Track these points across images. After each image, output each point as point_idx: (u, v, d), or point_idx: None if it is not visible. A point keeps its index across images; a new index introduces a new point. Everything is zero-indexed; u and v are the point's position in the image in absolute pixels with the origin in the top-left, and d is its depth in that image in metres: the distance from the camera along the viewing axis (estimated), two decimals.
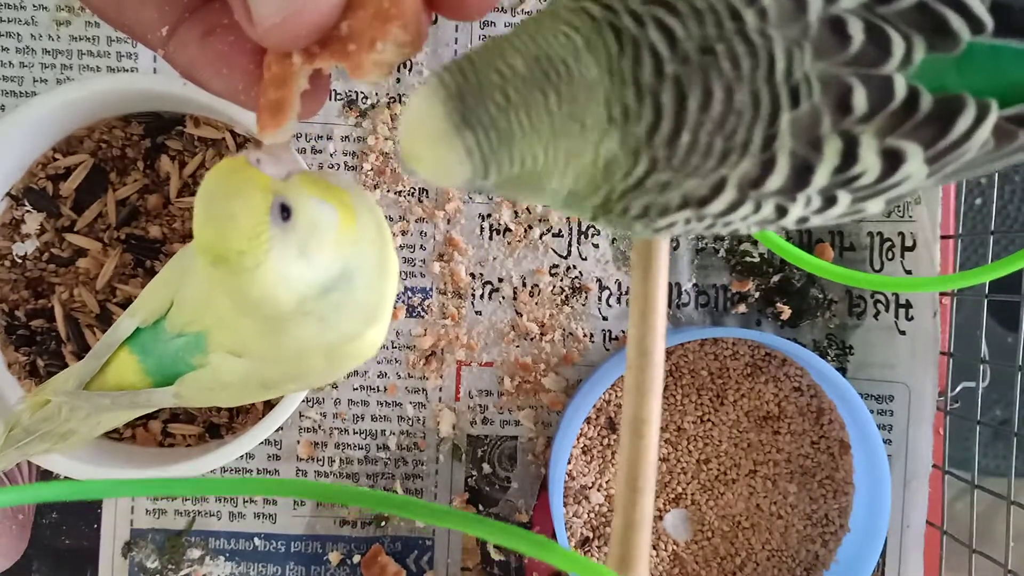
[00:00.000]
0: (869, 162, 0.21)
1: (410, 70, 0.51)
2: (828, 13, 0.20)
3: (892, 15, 0.20)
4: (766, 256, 0.52)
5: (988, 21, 0.21)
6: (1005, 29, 0.21)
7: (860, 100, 0.20)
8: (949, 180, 0.23)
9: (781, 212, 0.22)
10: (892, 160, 0.21)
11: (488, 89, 0.20)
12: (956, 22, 0.20)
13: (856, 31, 0.20)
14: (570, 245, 0.51)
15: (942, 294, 0.52)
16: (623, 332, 0.52)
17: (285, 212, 0.25)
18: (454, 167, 0.21)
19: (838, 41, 0.20)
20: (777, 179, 0.21)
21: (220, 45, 0.23)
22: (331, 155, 0.51)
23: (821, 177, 0.21)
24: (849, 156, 0.20)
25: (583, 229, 0.51)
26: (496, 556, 0.51)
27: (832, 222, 0.23)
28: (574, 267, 0.51)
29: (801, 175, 0.21)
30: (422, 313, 0.51)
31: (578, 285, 0.51)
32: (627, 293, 0.52)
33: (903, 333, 0.52)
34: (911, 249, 0.52)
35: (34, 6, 0.50)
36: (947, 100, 0.20)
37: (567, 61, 0.20)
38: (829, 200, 0.22)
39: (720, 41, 0.20)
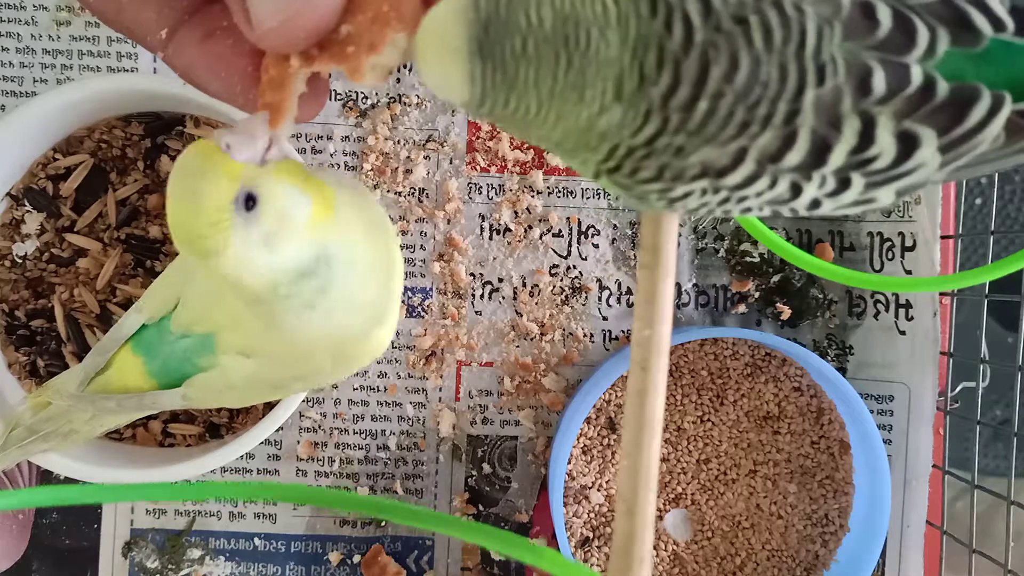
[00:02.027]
0: (885, 143, 0.21)
1: (410, 70, 0.51)
2: None
3: (919, 6, 0.21)
4: (766, 256, 0.52)
5: (1009, 22, 0.21)
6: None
7: (879, 82, 0.20)
8: (959, 176, 0.23)
9: (795, 191, 0.22)
10: (907, 143, 0.21)
11: (512, 30, 0.20)
12: (979, 19, 0.21)
13: (885, 17, 0.20)
14: (570, 245, 0.51)
15: (942, 294, 0.52)
16: (623, 332, 0.52)
17: (251, 201, 0.25)
18: (455, 87, 0.21)
19: (867, 24, 0.20)
20: (796, 155, 0.21)
21: (219, 48, 0.23)
22: (331, 155, 0.51)
23: (838, 156, 0.21)
24: (866, 136, 0.21)
25: (583, 229, 0.51)
26: (496, 556, 0.51)
27: (843, 210, 0.23)
28: (574, 267, 0.51)
29: (819, 152, 0.21)
30: (422, 313, 0.51)
31: (578, 285, 0.51)
32: (627, 293, 0.52)
33: (903, 333, 0.52)
34: (911, 249, 0.52)
35: (34, 6, 0.50)
36: (962, 88, 0.21)
37: (591, 32, 0.20)
38: (843, 182, 0.22)
39: (755, 12, 0.20)
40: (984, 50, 0.21)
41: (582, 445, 0.50)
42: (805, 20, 0.20)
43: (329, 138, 0.50)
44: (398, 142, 0.51)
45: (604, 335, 0.52)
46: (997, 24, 0.21)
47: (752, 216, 0.24)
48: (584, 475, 0.50)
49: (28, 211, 0.48)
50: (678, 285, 0.52)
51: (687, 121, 0.20)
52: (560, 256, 0.51)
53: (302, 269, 0.27)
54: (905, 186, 0.22)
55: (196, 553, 0.50)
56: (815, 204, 0.23)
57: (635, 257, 0.52)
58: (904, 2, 0.21)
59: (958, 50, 0.21)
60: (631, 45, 0.20)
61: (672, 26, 0.20)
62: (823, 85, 0.20)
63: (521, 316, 0.51)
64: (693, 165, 0.21)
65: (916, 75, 0.20)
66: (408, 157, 0.51)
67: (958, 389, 0.54)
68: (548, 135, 0.22)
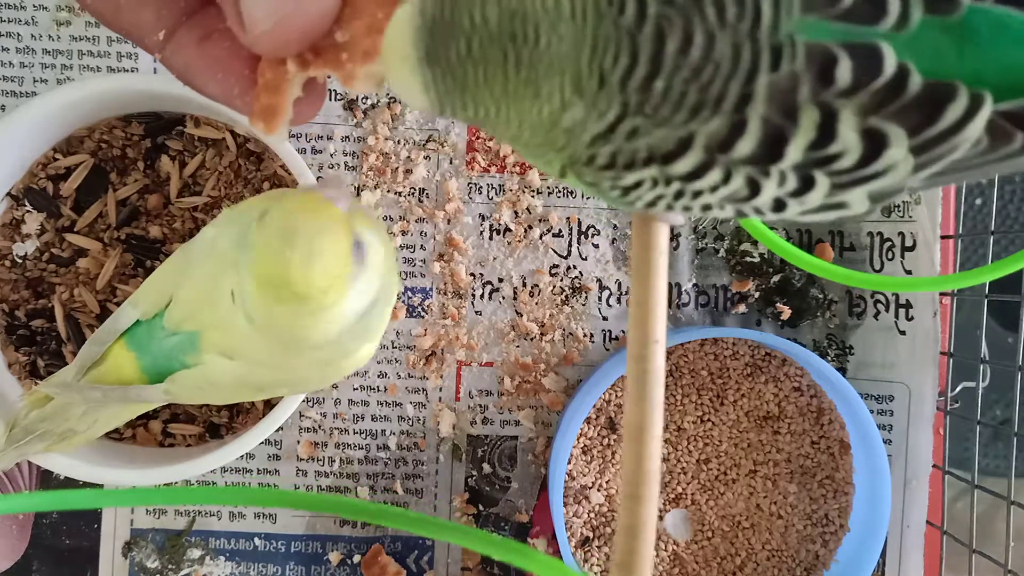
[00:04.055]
0: (849, 141, 0.20)
1: None
2: None
3: None
4: (766, 256, 0.52)
5: None
6: None
7: (844, 72, 0.19)
8: (941, 182, 0.22)
9: (753, 188, 0.21)
10: (874, 142, 0.20)
11: (457, 32, 0.19)
12: None
13: None
14: (570, 245, 0.51)
15: (942, 294, 0.52)
16: (623, 332, 0.52)
17: (359, 248, 0.25)
18: (413, 94, 0.21)
19: None
20: (747, 144, 0.20)
21: (216, 50, 0.23)
22: (331, 155, 0.51)
23: (795, 150, 0.20)
24: (826, 130, 0.19)
25: (583, 229, 0.51)
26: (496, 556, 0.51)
27: (814, 216, 0.22)
28: (574, 267, 0.51)
29: (773, 144, 0.20)
30: (422, 313, 0.51)
31: (578, 285, 0.51)
32: (627, 293, 0.52)
33: (903, 333, 0.52)
34: (911, 249, 0.52)
35: (34, 6, 0.50)
36: (937, 86, 0.19)
37: (540, 26, 0.19)
38: (806, 181, 0.21)
39: None
40: (965, 21, 0.20)
41: (582, 445, 0.50)
42: None
43: (329, 138, 0.50)
44: (398, 142, 0.51)
45: (604, 335, 0.52)
46: None
47: (730, 215, 0.23)
48: (584, 475, 0.50)
49: (28, 211, 0.48)
50: (678, 285, 0.52)
51: (645, 102, 0.19)
52: (560, 256, 0.51)
53: (367, 310, 0.27)
54: (877, 190, 0.21)
55: (196, 553, 0.50)
56: (779, 205, 0.21)
57: None
58: None
59: (935, 18, 0.19)
60: (588, 37, 0.19)
61: (625, 6, 0.19)
62: (778, 69, 0.19)
63: (521, 316, 0.51)
64: (640, 148, 0.20)
65: (889, 64, 0.19)
66: (408, 157, 0.51)
67: (958, 389, 0.54)
68: (517, 135, 0.21)
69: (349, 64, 0.22)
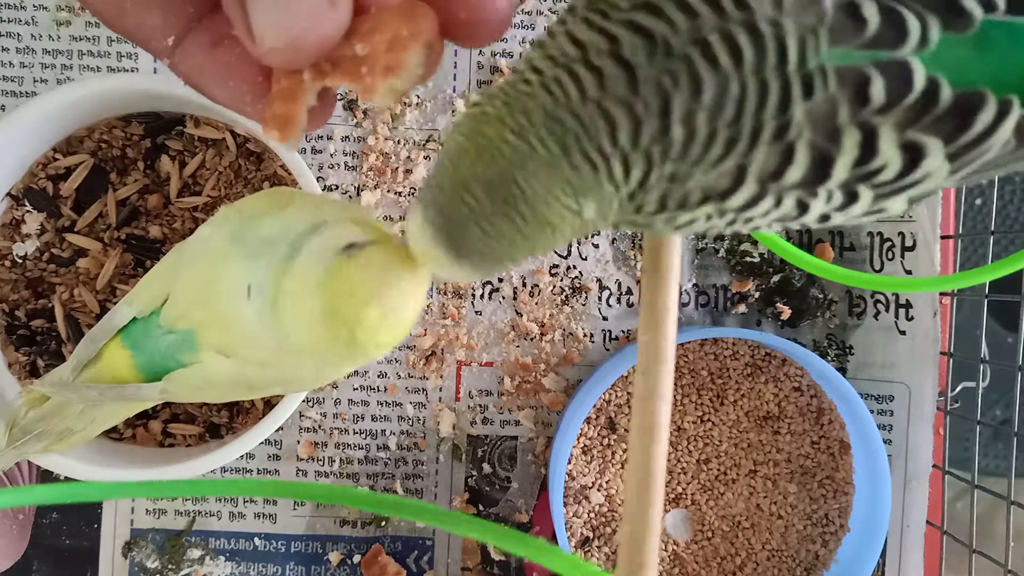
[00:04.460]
0: (889, 155, 0.20)
1: None
2: None
3: None
4: (766, 256, 0.52)
5: (1000, 1, 0.20)
6: (1018, 6, 0.20)
7: (878, 90, 0.20)
8: (971, 180, 0.22)
9: (802, 208, 0.22)
10: (912, 154, 0.21)
11: (464, 225, 0.22)
12: (967, 0, 0.20)
13: (871, 13, 0.20)
14: (570, 245, 0.51)
15: (942, 294, 0.52)
16: (623, 332, 0.52)
17: None
18: (467, 278, 0.23)
19: (854, 25, 0.20)
20: (797, 171, 0.21)
21: (228, 56, 0.23)
22: (331, 155, 0.51)
23: (841, 170, 0.21)
24: (868, 148, 0.20)
25: None
26: (496, 556, 0.51)
27: (855, 221, 0.23)
28: (574, 267, 0.51)
29: (821, 167, 0.21)
30: (422, 313, 0.51)
31: (578, 285, 0.51)
32: (627, 293, 0.52)
33: (903, 333, 0.52)
34: (911, 249, 0.52)
35: (34, 6, 0.50)
36: (967, 95, 0.20)
37: (517, 178, 0.21)
38: (850, 196, 0.22)
39: (715, 31, 0.20)
40: (981, 35, 0.20)
41: (582, 445, 0.50)
42: (783, 33, 0.19)
43: (329, 138, 0.50)
44: (398, 142, 0.51)
45: (604, 335, 0.52)
46: (987, 3, 0.20)
47: (776, 231, 0.24)
48: (584, 475, 0.50)
49: (28, 211, 0.48)
50: (679, 285, 0.52)
51: (669, 149, 0.20)
52: (560, 256, 0.51)
53: None
54: (916, 194, 0.22)
55: (196, 553, 0.50)
56: (824, 218, 0.22)
57: (635, 257, 0.52)
58: None
59: (953, 36, 0.20)
60: (557, 152, 0.21)
61: (605, 83, 0.20)
62: (811, 97, 0.20)
63: (521, 316, 0.51)
64: (694, 191, 0.21)
65: (919, 80, 0.20)
66: (408, 157, 0.51)
67: (958, 389, 0.54)
68: (557, 244, 0.23)
69: (369, 78, 0.22)
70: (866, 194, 0.22)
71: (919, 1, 0.20)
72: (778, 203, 0.22)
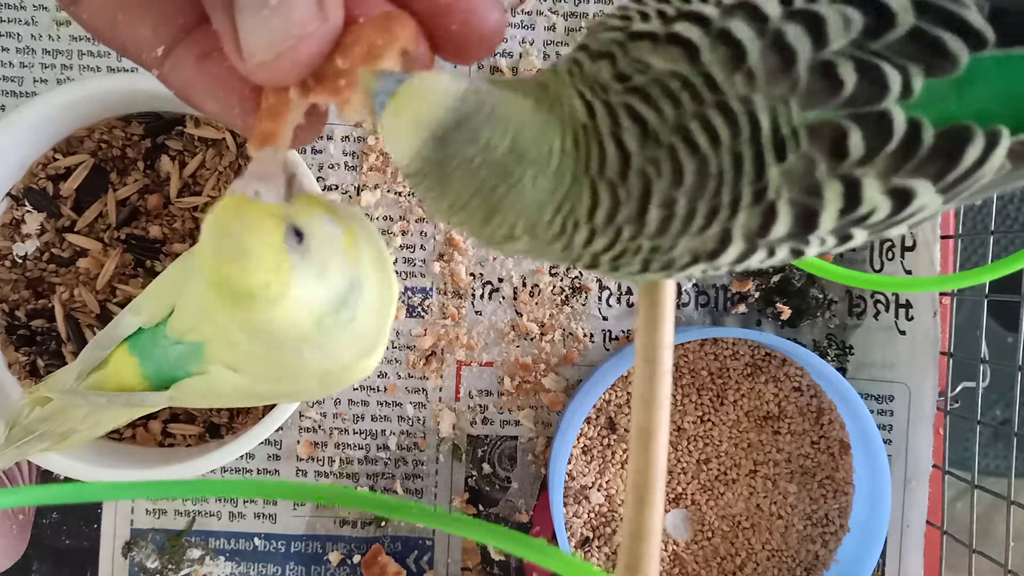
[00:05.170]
0: (876, 201, 0.20)
1: None
2: (817, 59, 0.20)
3: (884, 49, 0.20)
4: None
5: (990, 34, 0.20)
6: (1010, 37, 0.20)
7: (856, 143, 0.20)
8: (971, 200, 0.22)
9: (797, 254, 0.22)
10: (901, 198, 0.21)
11: (473, 140, 0.21)
12: (953, 43, 0.20)
13: (847, 73, 0.19)
14: None
15: (942, 294, 0.52)
16: (623, 332, 0.52)
17: (298, 236, 0.25)
18: (400, 150, 0.22)
19: (829, 87, 0.19)
20: (782, 227, 0.21)
21: (216, 68, 0.22)
22: (331, 155, 0.51)
23: (828, 219, 0.21)
24: (853, 198, 0.20)
25: None
26: (496, 556, 0.51)
27: (851, 248, 0.23)
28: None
29: (805, 220, 0.21)
30: (422, 313, 0.51)
31: (578, 285, 0.51)
32: (627, 293, 0.52)
33: (903, 333, 0.52)
34: (911, 249, 0.52)
35: (34, 6, 0.50)
36: (952, 132, 0.20)
37: (527, 173, 0.20)
38: (844, 238, 0.22)
39: (694, 118, 0.20)
40: (972, 76, 0.20)
41: (582, 445, 0.50)
42: (754, 108, 0.20)
43: (329, 138, 0.50)
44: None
45: (604, 335, 0.52)
46: (978, 40, 0.20)
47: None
48: (584, 475, 0.50)
49: (28, 211, 0.48)
50: (679, 285, 0.52)
51: (643, 228, 0.21)
52: None
53: (340, 297, 0.27)
54: (915, 223, 0.22)
55: (196, 553, 0.50)
56: (823, 254, 0.23)
57: None
58: (868, 49, 0.20)
59: (938, 81, 0.20)
60: (559, 195, 0.21)
61: (606, 159, 0.20)
62: (784, 159, 0.20)
63: (521, 316, 0.51)
64: (681, 255, 0.22)
65: (899, 125, 0.20)
66: None
67: (958, 389, 0.54)
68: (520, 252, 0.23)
69: (347, 92, 0.22)
70: (860, 234, 0.22)
71: (902, 52, 0.20)
72: (771, 254, 0.22)
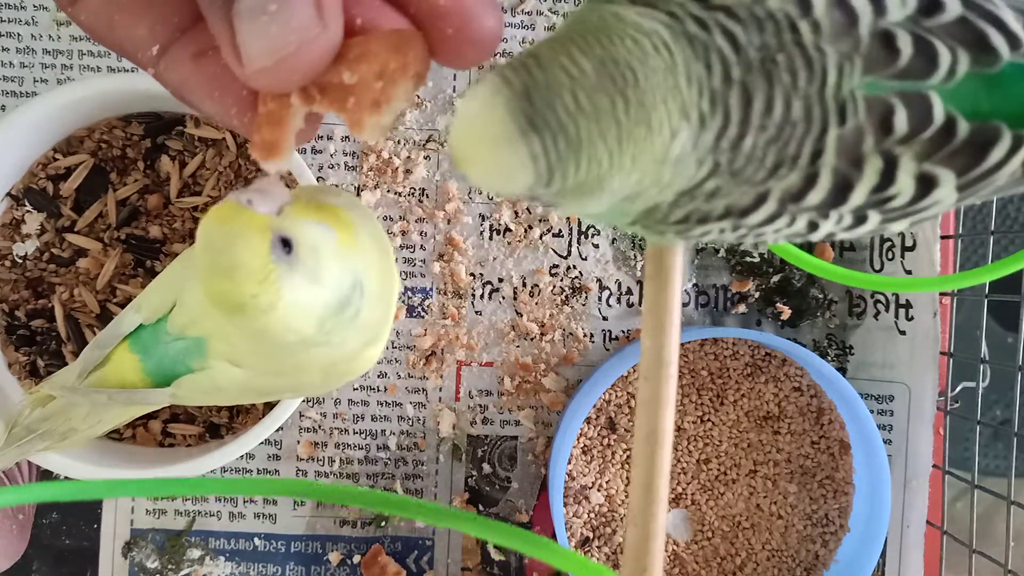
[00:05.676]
0: (904, 184, 0.21)
1: None
2: (878, 27, 0.20)
3: (937, 28, 0.20)
4: (766, 256, 0.52)
5: None
6: None
7: (901, 121, 0.20)
8: (971, 202, 0.23)
9: (812, 227, 0.22)
10: (926, 184, 0.21)
11: (557, 90, 0.19)
12: (996, 38, 0.20)
13: (905, 44, 0.20)
14: (570, 245, 0.51)
15: (942, 294, 0.52)
16: (623, 332, 0.52)
17: (286, 245, 0.25)
18: (516, 173, 0.19)
19: (888, 55, 0.20)
20: (818, 194, 0.21)
21: (213, 67, 0.22)
22: (331, 155, 0.51)
23: (858, 196, 0.21)
24: (887, 176, 0.21)
25: (583, 229, 0.51)
26: (496, 556, 0.51)
27: (854, 237, 0.23)
28: (574, 267, 0.51)
29: (841, 192, 0.21)
30: (422, 313, 0.51)
31: (578, 285, 0.51)
32: (627, 293, 0.52)
33: (903, 333, 0.52)
34: (911, 249, 0.52)
35: (34, 6, 0.50)
36: (983, 129, 0.20)
37: (634, 66, 0.19)
38: (859, 219, 0.22)
39: (780, 51, 0.20)
40: (1000, 77, 0.21)
41: (582, 445, 0.50)
42: (826, 59, 0.20)
43: (329, 138, 0.50)
44: (398, 142, 0.51)
45: (604, 335, 0.52)
46: (1014, 41, 0.21)
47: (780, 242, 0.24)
48: (584, 475, 0.50)
49: (28, 211, 0.48)
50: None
51: (733, 161, 0.20)
52: (560, 256, 0.51)
53: (342, 299, 0.27)
54: (920, 219, 0.22)
55: (196, 553, 0.50)
56: (830, 236, 0.23)
57: (636, 257, 0.52)
58: (923, 25, 0.20)
59: (975, 72, 0.20)
60: (680, 65, 0.19)
61: (711, 65, 0.19)
62: (844, 124, 0.20)
63: (521, 316, 0.51)
64: (717, 207, 0.21)
65: (938, 114, 0.20)
66: (408, 157, 0.51)
67: (958, 389, 0.54)
68: (625, 184, 0.20)
69: (357, 112, 0.21)
70: (874, 218, 0.22)
71: (952, 35, 0.20)
72: (791, 222, 0.22)
